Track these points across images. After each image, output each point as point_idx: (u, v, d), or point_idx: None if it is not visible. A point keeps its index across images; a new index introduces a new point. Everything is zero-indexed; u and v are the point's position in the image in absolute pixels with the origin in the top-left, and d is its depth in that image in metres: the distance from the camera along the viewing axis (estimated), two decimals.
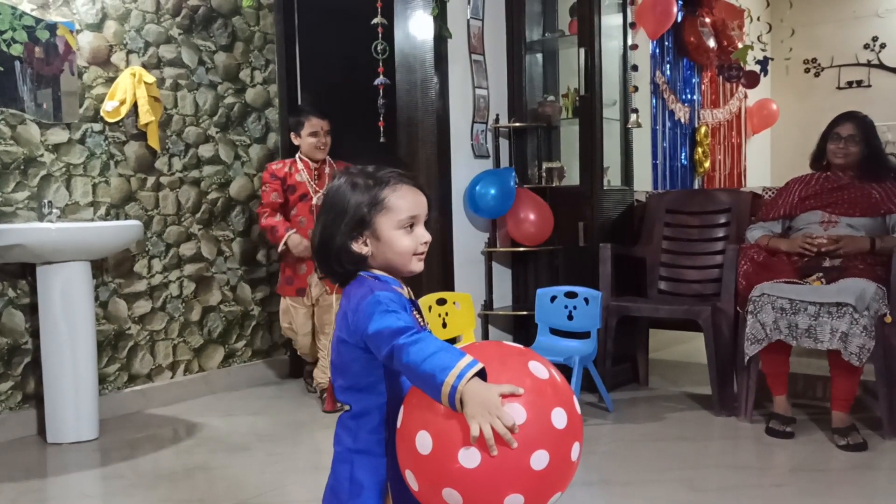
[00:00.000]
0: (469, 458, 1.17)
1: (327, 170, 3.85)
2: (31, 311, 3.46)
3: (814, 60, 7.23)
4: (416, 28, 3.98)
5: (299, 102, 4.63)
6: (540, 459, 1.19)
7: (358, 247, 1.37)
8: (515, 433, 1.16)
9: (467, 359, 1.20)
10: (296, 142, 3.80)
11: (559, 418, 1.22)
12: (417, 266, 1.42)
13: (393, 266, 1.40)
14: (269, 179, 3.80)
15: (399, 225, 1.38)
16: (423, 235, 1.40)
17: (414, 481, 1.24)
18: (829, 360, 3.16)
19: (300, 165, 3.79)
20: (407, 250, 1.38)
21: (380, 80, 3.70)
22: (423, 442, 1.21)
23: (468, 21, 4.15)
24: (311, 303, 3.82)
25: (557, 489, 1.24)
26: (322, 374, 3.80)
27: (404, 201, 1.38)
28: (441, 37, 3.92)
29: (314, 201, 3.73)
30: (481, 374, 1.20)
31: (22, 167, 3.46)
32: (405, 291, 1.42)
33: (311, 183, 3.77)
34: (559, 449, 1.22)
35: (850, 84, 7.11)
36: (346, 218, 1.36)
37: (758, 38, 6.09)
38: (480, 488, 1.18)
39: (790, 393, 3.35)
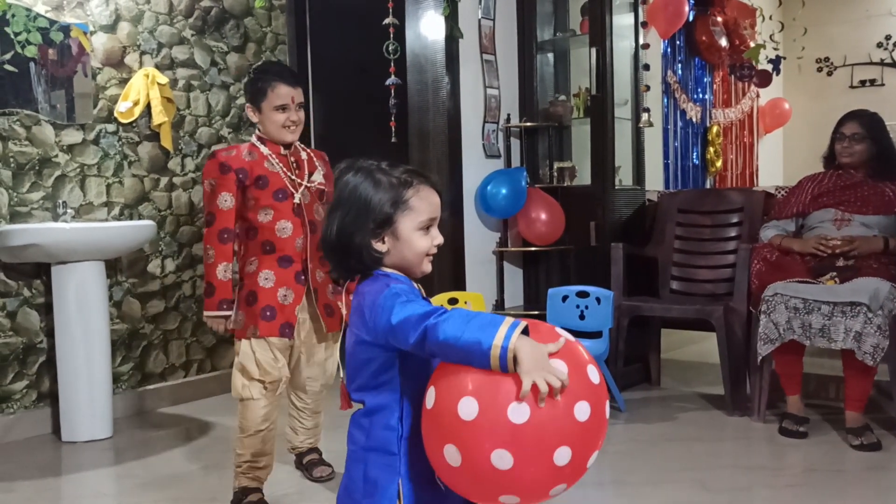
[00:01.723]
0: (518, 413, 1.19)
1: (304, 156, 2.65)
2: (46, 310, 3.48)
3: (826, 59, 7.19)
4: (427, 28, 3.98)
5: (310, 103, 4.64)
6: (583, 411, 1.22)
7: (378, 245, 1.37)
8: (563, 389, 1.20)
9: (509, 320, 1.23)
10: (254, 118, 2.57)
11: (593, 374, 1.26)
12: (427, 267, 1.43)
13: (406, 265, 1.40)
14: (219, 173, 2.48)
15: (419, 226, 1.38)
16: (437, 237, 1.42)
17: (456, 455, 1.23)
18: (843, 360, 3.14)
19: (265, 150, 2.55)
20: (423, 251, 1.39)
21: (391, 80, 3.71)
22: (468, 408, 1.21)
23: (479, 21, 4.15)
24: (293, 344, 2.60)
25: (597, 444, 1.26)
26: (296, 436, 2.82)
27: (426, 203, 1.39)
28: (452, 37, 3.93)
29: (297, 199, 2.54)
30: (525, 333, 1.23)
31: (37, 168, 3.49)
32: (420, 292, 1.42)
33: (288, 175, 2.55)
34: (597, 402, 1.25)
35: (862, 83, 7.06)
36: (370, 216, 1.36)
37: (770, 36, 6.06)
38: (531, 443, 1.19)
39: (803, 393, 3.34)
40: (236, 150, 2.55)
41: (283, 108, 2.54)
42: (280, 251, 2.51)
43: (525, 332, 1.22)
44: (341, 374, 1.51)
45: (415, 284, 1.43)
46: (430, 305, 1.30)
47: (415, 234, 1.38)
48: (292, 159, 2.60)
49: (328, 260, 1.44)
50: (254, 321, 2.47)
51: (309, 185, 2.57)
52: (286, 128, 2.55)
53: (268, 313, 2.47)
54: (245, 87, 2.67)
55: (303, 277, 2.52)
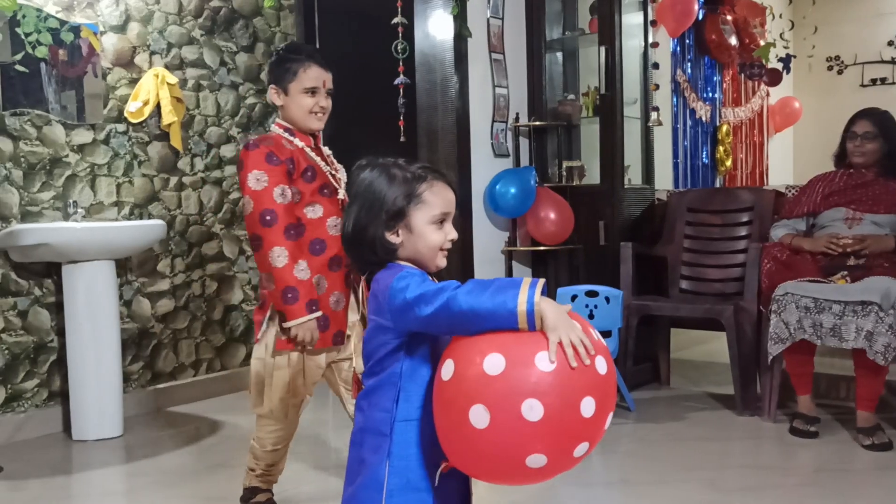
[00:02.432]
0: (545, 362, 1.23)
1: (327, 151, 2.42)
2: (57, 309, 3.50)
3: (837, 58, 7.15)
4: (435, 27, 3.98)
5: None
6: (602, 364, 1.27)
7: (391, 237, 1.41)
8: (589, 350, 1.25)
9: (527, 280, 1.28)
10: (277, 101, 2.31)
11: (598, 336, 1.32)
12: (442, 262, 1.46)
13: (420, 259, 1.44)
14: (268, 164, 2.19)
15: (432, 220, 1.42)
16: (450, 232, 1.45)
17: (484, 415, 1.23)
18: (854, 359, 3.13)
19: (298, 142, 2.30)
20: (436, 245, 1.43)
21: (400, 79, 3.71)
22: (494, 363, 1.25)
23: (488, 20, 4.15)
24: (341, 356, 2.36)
25: (612, 403, 1.30)
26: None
27: (439, 198, 1.43)
28: (461, 36, 3.93)
29: (342, 194, 2.32)
30: (544, 292, 1.28)
31: (47, 167, 3.51)
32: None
33: (327, 167, 2.34)
34: (608, 359, 1.30)
35: (873, 82, 7.02)
36: (384, 208, 1.40)
37: (780, 35, 6.04)
38: (560, 391, 1.23)
39: (814, 393, 3.32)
40: (274, 139, 2.26)
41: (314, 91, 2.29)
42: (331, 250, 2.27)
43: (544, 291, 1.28)
44: (354, 363, 1.53)
45: (429, 278, 1.45)
46: (443, 283, 1.34)
47: (428, 227, 1.41)
48: (327, 152, 2.39)
49: (347, 253, 1.48)
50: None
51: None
52: (314, 114, 2.30)
53: (321, 323, 2.22)
54: (270, 67, 2.38)
55: (351, 278, 2.36)
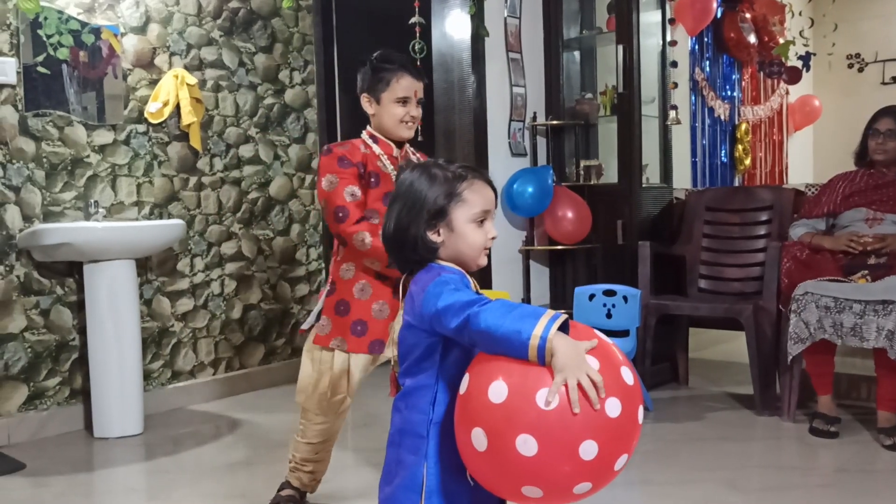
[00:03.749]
0: (544, 399, 1.20)
1: (412, 156, 2.45)
2: (79, 308, 3.54)
3: (857, 56, 7.09)
4: (453, 27, 3.99)
5: (337, 102, 4.66)
6: (614, 407, 1.21)
7: (433, 236, 1.42)
8: (600, 393, 1.21)
9: (550, 312, 1.25)
10: (369, 109, 2.36)
11: (627, 375, 1.26)
12: (483, 260, 1.47)
13: (462, 258, 1.45)
14: (339, 167, 2.28)
15: (473, 218, 1.43)
16: (491, 230, 1.46)
17: (483, 439, 1.23)
18: (875, 359, 3.10)
19: (377, 149, 2.35)
20: (477, 243, 1.43)
21: None
22: (498, 390, 1.23)
23: (505, 19, 4.15)
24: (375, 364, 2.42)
25: (627, 446, 1.25)
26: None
27: (479, 196, 1.43)
28: (478, 35, 3.93)
29: None
30: (564, 327, 1.25)
31: (69, 168, 3.54)
32: (472, 284, 1.46)
33: (390, 167, 2.36)
34: (629, 402, 1.24)
35: (894, 79, 6.96)
36: (425, 207, 1.41)
37: (800, 33, 5.99)
38: (556, 431, 1.19)
39: (835, 393, 3.30)
40: (350, 144, 2.34)
41: (405, 101, 2.33)
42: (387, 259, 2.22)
43: (564, 326, 1.24)
44: (391, 363, 1.54)
45: (468, 277, 1.46)
46: (475, 295, 1.33)
47: (468, 226, 1.42)
48: (402, 163, 2.36)
49: (388, 253, 1.50)
50: (342, 333, 2.29)
51: None
52: (404, 123, 2.34)
53: (358, 328, 2.28)
54: (363, 75, 2.37)
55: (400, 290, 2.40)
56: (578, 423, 1.19)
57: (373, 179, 2.31)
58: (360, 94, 2.37)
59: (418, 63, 3.69)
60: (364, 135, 2.37)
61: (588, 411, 1.20)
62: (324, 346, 2.30)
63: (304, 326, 2.38)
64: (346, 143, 2.34)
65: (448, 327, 1.31)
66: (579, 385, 1.19)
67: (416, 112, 2.36)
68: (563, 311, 1.29)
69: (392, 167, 2.33)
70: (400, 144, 2.38)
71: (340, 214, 2.24)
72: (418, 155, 2.46)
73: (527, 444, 1.20)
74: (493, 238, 1.46)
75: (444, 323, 1.31)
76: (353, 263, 2.30)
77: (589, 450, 1.20)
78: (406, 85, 2.32)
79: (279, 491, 2.52)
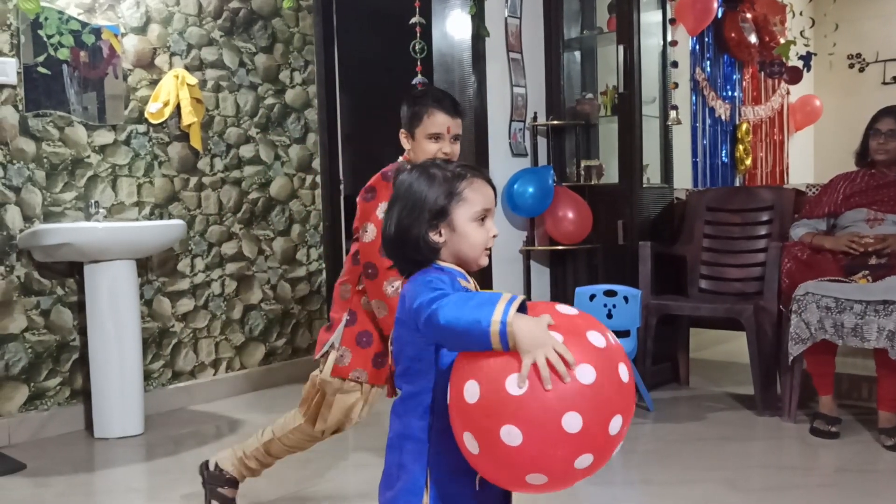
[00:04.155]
0: (515, 385, 1.19)
1: None
2: (79, 308, 3.54)
3: (858, 55, 7.09)
4: (453, 27, 3.99)
5: (338, 102, 4.66)
6: (586, 373, 1.19)
7: (435, 236, 1.42)
8: (569, 363, 1.19)
9: (506, 296, 1.24)
10: (406, 144, 2.39)
11: (596, 339, 1.24)
12: (484, 261, 1.46)
13: (463, 257, 1.44)
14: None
15: (474, 217, 1.42)
16: (492, 229, 1.45)
17: (473, 442, 1.23)
18: (876, 359, 3.10)
19: None
20: (479, 242, 1.43)
21: (418, 79, 3.71)
22: (471, 391, 1.22)
23: (506, 19, 4.14)
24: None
25: (615, 409, 1.21)
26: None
27: (479, 195, 1.43)
28: (479, 35, 3.93)
29: None
30: (522, 308, 1.23)
31: (70, 168, 3.55)
32: (471, 284, 1.45)
33: None
34: (604, 365, 1.21)
35: (895, 79, 6.95)
36: (426, 207, 1.40)
37: (800, 33, 5.98)
38: (534, 414, 1.18)
39: (835, 393, 3.29)
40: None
41: (437, 137, 2.31)
42: None
43: (522, 307, 1.24)
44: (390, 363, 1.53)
45: (470, 279, 1.45)
46: (439, 291, 1.31)
47: (470, 225, 1.42)
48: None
49: (388, 255, 1.48)
50: (363, 364, 2.27)
51: None
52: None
53: (380, 360, 2.27)
54: (402, 111, 2.40)
55: None
56: (553, 400, 1.17)
57: None
58: (401, 129, 2.38)
59: (419, 64, 3.70)
60: (405, 163, 2.33)
61: (560, 385, 1.18)
62: (343, 377, 2.27)
63: (318, 356, 2.33)
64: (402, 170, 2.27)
65: (420, 329, 1.30)
66: (548, 361, 1.18)
67: (450, 148, 2.33)
68: (521, 296, 1.27)
69: None
70: None
71: (385, 271, 2.19)
72: None
73: (511, 435, 1.19)
74: (494, 236, 1.45)
75: (417, 324, 1.30)
76: (382, 300, 2.24)
77: (572, 422, 1.18)
78: (439, 121, 2.30)
79: (218, 487, 2.43)
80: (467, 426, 1.24)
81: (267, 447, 2.42)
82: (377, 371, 2.27)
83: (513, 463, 1.21)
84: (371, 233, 2.19)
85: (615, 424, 1.21)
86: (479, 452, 1.24)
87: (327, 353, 2.30)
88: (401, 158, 2.38)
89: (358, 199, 2.28)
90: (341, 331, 2.30)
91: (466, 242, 1.42)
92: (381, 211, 2.16)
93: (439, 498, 1.36)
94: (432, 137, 2.31)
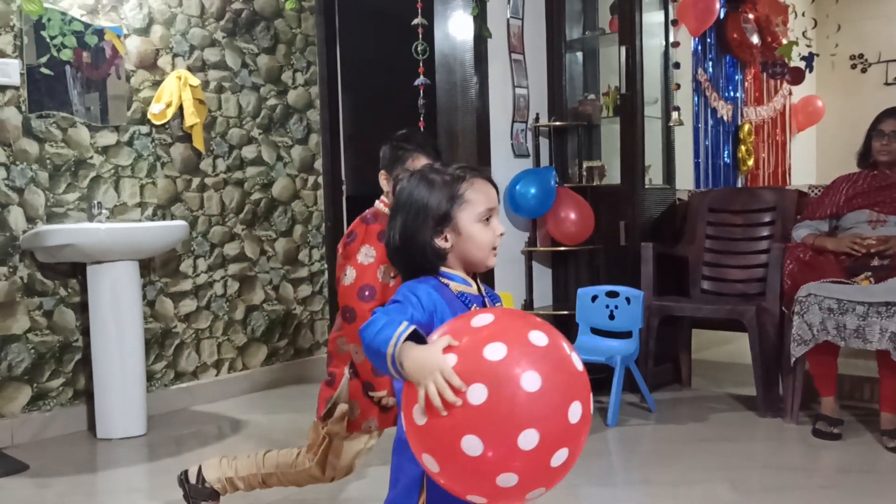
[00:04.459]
0: (420, 415, 1.18)
1: None
2: (82, 309, 3.54)
3: (860, 56, 7.08)
4: (455, 28, 3.99)
5: (340, 103, 4.67)
6: (478, 394, 1.14)
7: (440, 242, 1.41)
8: (462, 391, 1.15)
9: (404, 325, 1.23)
10: (385, 185, 2.30)
11: (493, 352, 1.17)
12: (492, 261, 1.45)
13: (471, 260, 1.43)
14: (378, 241, 2.19)
15: (478, 218, 1.41)
16: (498, 227, 1.44)
17: (432, 462, 1.23)
18: (878, 361, 3.10)
19: None
20: (486, 242, 1.42)
21: (420, 80, 3.71)
22: (402, 422, 1.25)
23: (508, 20, 4.14)
24: None
25: (522, 423, 1.13)
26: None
27: (481, 195, 1.42)
28: (481, 36, 3.93)
29: None
30: (419, 337, 1.22)
31: (72, 169, 3.55)
32: (473, 288, 1.44)
33: None
34: (501, 380, 1.15)
35: None
36: (429, 214, 1.40)
37: (802, 33, 5.99)
38: (435, 443, 1.17)
39: (838, 394, 3.29)
40: (385, 217, 2.17)
41: None
42: None
43: (419, 336, 1.22)
44: None
45: (473, 282, 1.44)
46: (395, 310, 1.31)
47: (475, 226, 1.41)
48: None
49: (394, 264, 1.48)
50: (373, 413, 2.23)
51: None
52: None
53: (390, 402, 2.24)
54: (383, 152, 2.34)
55: None
56: (448, 426, 1.15)
57: None
58: (380, 169, 2.31)
59: (421, 65, 3.70)
60: (383, 206, 2.27)
61: (453, 410, 1.15)
62: (358, 430, 2.25)
63: (323, 415, 2.25)
64: (385, 216, 2.18)
65: None
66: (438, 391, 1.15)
67: None
68: (443, 330, 1.24)
69: None
70: None
71: (367, 293, 2.16)
72: None
73: (430, 462, 1.20)
74: (501, 234, 1.45)
75: None
76: (360, 345, 2.21)
77: (471, 445, 1.13)
78: (422, 165, 2.21)
79: (202, 501, 2.37)
80: (414, 448, 1.26)
81: (265, 478, 2.37)
82: (385, 416, 2.24)
83: (449, 485, 1.22)
84: (350, 276, 2.16)
85: (527, 440, 1.14)
86: (436, 474, 1.24)
87: (332, 408, 2.25)
88: (378, 202, 2.30)
89: (339, 246, 2.25)
90: (346, 386, 2.25)
91: (473, 244, 1.41)
92: (362, 254, 2.16)
93: (436, 501, 1.36)
94: None
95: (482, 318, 1.24)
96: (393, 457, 1.44)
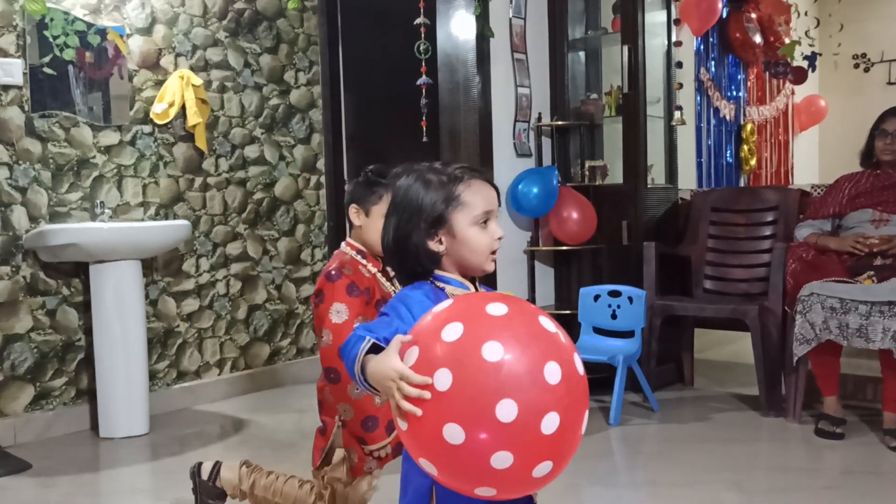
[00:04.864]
0: (401, 422, 1.17)
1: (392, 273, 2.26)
2: (85, 308, 3.55)
3: (863, 55, 7.07)
4: (458, 28, 3.99)
5: (342, 103, 4.67)
6: (442, 379, 1.11)
7: (434, 245, 1.36)
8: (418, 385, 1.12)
9: (366, 340, 1.22)
10: (356, 220, 2.21)
11: (451, 331, 1.14)
12: (489, 266, 1.39)
13: (466, 264, 1.38)
14: (348, 296, 2.11)
15: (474, 221, 1.36)
16: (496, 231, 1.38)
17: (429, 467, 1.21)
18: (881, 360, 3.09)
19: (372, 268, 2.20)
20: (482, 246, 1.36)
21: (422, 79, 3.72)
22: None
23: (510, 20, 4.14)
24: None
25: (495, 396, 1.10)
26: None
27: (478, 196, 1.36)
28: (483, 36, 3.93)
29: None
30: (378, 349, 1.20)
31: (75, 168, 3.55)
32: (471, 291, 1.39)
33: (388, 284, 2.23)
34: (461, 358, 1.12)
35: None
36: (423, 216, 1.35)
37: (805, 33, 5.97)
38: (426, 441, 1.15)
39: (840, 394, 3.29)
40: (351, 265, 2.15)
41: None
42: None
43: (378, 348, 1.21)
44: None
45: (471, 286, 1.40)
46: (379, 324, 1.29)
47: (471, 229, 1.36)
48: (392, 275, 2.23)
49: (390, 265, 1.46)
50: (369, 455, 2.17)
51: None
52: None
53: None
54: (355, 186, 2.25)
55: None
56: (426, 424, 1.13)
57: (379, 304, 2.14)
58: (348, 204, 2.24)
59: (423, 65, 3.70)
60: (349, 250, 2.20)
61: (426, 405, 1.12)
62: (360, 475, 2.20)
63: (319, 464, 2.20)
64: (348, 265, 2.15)
65: None
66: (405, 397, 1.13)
67: None
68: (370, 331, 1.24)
69: (389, 283, 2.19)
70: (384, 260, 2.20)
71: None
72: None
73: (428, 466, 1.18)
74: (499, 238, 1.39)
75: None
76: (347, 404, 2.15)
77: (453, 433, 1.10)
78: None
79: (210, 499, 2.35)
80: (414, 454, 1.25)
81: (272, 497, 2.30)
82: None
83: (453, 486, 1.19)
84: (327, 339, 2.09)
85: (504, 411, 1.09)
86: (436, 476, 1.21)
87: (328, 456, 2.21)
88: (344, 244, 2.23)
89: (311, 299, 2.18)
90: (339, 434, 2.19)
91: (468, 248, 1.36)
92: (333, 314, 2.09)
93: None
94: None
95: (442, 305, 1.22)
96: (402, 464, 1.40)
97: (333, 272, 2.12)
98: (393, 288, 2.20)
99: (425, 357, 1.14)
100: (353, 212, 2.21)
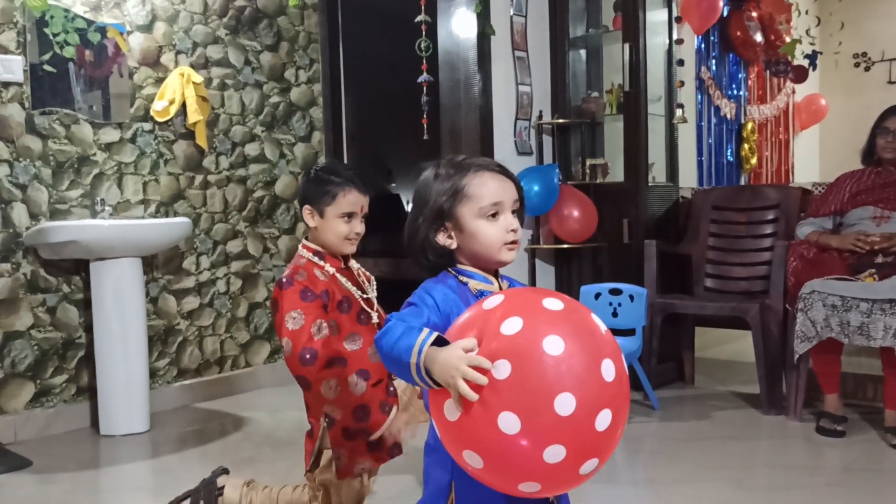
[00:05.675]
0: (453, 411, 1.16)
1: (355, 265, 2.22)
2: (85, 306, 3.54)
3: (864, 54, 7.07)
4: (459, 25, 3.99)
5: (343, 101, 4.67)
6: (501, 369, 1.12)
7: (443, 239, 1.33)
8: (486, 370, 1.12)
9: (424, 332, 1.18)
10: (311, 222, 2.15)
11: (510, 325, 1.14)
12: (507, 256, 1.35)
13: (479, 258, 1.35)
14: (302, 301, 2.05)
15: (481, 213, 1.32)
16: (510, 223, 1.33)
17: (476, 459, 1.19)
18: (882, 358, 3.09)
19: (329, 269, 2.13)
20: (492, 240, 1.33)
21: (423, 77, 3.71)
22: (449, 409, 1.20)
23: (511, 18, 4.14)
24: None
25: (554, 389, 1.10)
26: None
27: (485, 188, 1.32)
28: (484, 34, 3.93)
29: (375, 318, 2.16)
30: (442, 342, 1.17)
31: (76, 166, 3.55)
32: (495, 286, 1.36)
33: (357, 291, 2.17)
34: (522, 350, 1.12)
35: None
36: (427, 209, 1.32)
37: (806, 31, 5.97)
38: (476, 432, 1.13)
39: (841, 392, 3.29)
40: (305, 270, 2.10)
41: (351, 216, 2.13)
42: (374, 377, 2.12)
43: (442, 341, 1.17)
44: None
45: (494, 280, 1.37)
46: (410, 314, 1.26)
47: (478, 222, 1.32)
48: (360, 277, 2.20)
49: (412, 260, 1.40)
50: (361, 455, 2.15)
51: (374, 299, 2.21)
52: (349, 240, 2.14)
53: (374, 443, 2.15)
54: (306, 186, 2.19)
55: (391, 389, 2.21)
56: (481, 411, 1.12)
57: (345, 304, 2.12)
58: (301, 205, 2.17)
59: (424, 63, 3.69)
60: (306, 252, 2.15)
61: (483, 393, 1.11)
62: (351, 476, 2.16)
63: (309, 466, 2.19)
64: (301, 270, 2.10)
65: None
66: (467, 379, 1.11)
67: (360, 228, 2.16)
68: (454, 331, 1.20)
69: (350, 282, 2.14)
70: (346, 259, 2.19)
71: (308, 356, 2.01)
72: (362, 270, 2.24)
73: (473, 458, 1.16)
74: (513, 230, 1.34)
75: None
76: (330, 404, 2.12)
77: (509, 422, 1.10)
78: (352, 200, 2.13)
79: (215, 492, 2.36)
80: (456, 446, 1.22)
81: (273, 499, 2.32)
82: (376, 454, 2.16)
83: (497, 481, 1.17)
84: (287, 347, 2.03)
85: (563, 405, 1.10)
86: (480, 469, 1.19)
87: (318, 458, 2.18)
88: (301, 247, 2.17)
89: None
90: (326, 435, 2.16)
91: (477, 242, 1.32)
92: (290, 321, 2.02)
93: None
94: (345, 216, 2.12)
95: (493, 301, 1.21)
96: (424, 458, 1.39)
97: (285, 280, 2.07)
98: (353, 282, 2.15)
99: (486, 349, 1.14)
100: (307, 213, 2.15)
